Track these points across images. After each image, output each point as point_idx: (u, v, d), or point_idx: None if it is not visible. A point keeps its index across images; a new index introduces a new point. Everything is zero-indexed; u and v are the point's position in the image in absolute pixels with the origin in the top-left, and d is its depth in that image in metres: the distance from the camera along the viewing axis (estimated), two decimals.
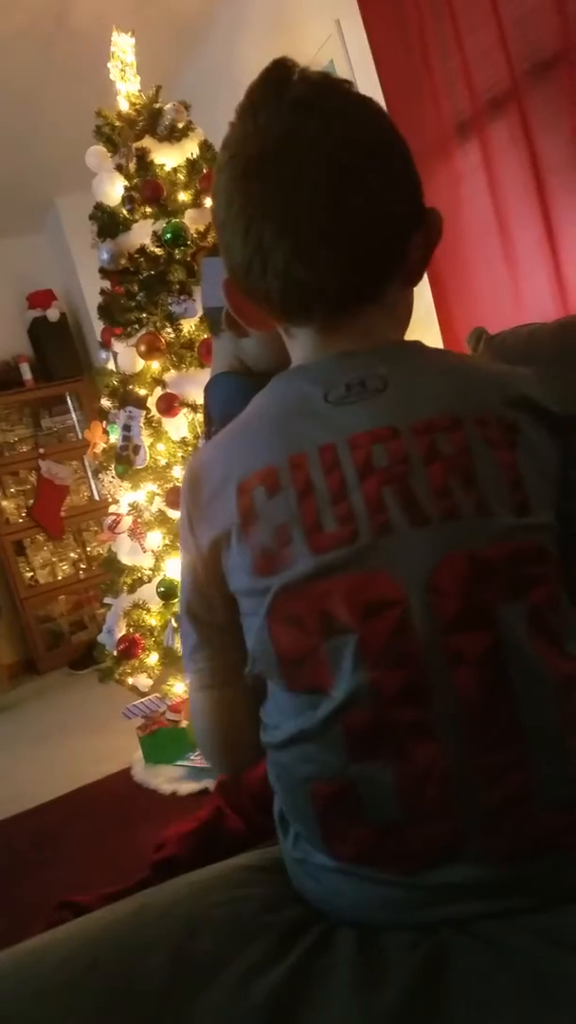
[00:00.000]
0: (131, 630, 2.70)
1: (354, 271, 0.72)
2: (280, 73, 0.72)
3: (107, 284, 2.79)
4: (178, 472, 2.63)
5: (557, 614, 0.66)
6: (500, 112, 2.18)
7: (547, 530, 0.69)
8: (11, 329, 5.06)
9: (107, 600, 2.94)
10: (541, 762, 0.62)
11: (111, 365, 2.86)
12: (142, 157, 2.69)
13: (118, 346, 2.77)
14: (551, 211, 2.10)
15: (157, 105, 2.77)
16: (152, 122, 2.76)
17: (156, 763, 2.62)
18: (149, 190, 2.64)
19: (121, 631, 2.73)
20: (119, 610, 2.78)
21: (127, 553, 2.75)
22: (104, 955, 0.64)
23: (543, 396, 0.73)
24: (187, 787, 2.41)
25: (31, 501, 4.96)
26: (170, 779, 2.50)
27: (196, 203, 2.70)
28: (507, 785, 0.61)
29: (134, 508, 2.73)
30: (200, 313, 2.58)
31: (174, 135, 2.76)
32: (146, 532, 2.70)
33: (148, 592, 2.70)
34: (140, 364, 2.70)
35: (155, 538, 2.69)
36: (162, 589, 2.59)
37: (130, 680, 2.77)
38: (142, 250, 2.65)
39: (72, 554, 5.09)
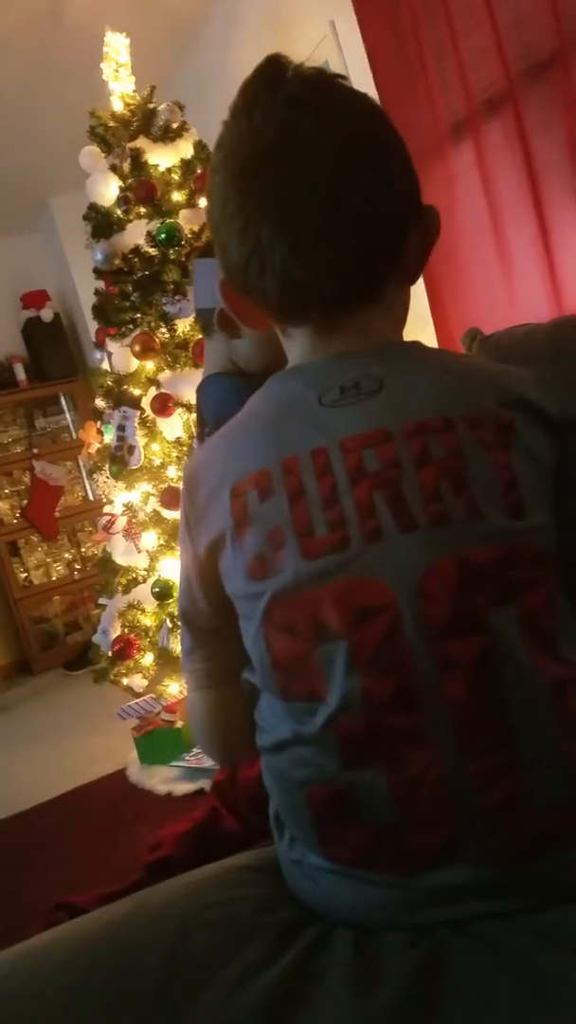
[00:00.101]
0: (126, 631, 2.70)
1: (352, 271, 0.72)
2: (274, 70, 0.71)
3: (101, 284, 2.79)
4: (173, 472, 2.63)
5: (552, 617, 0.66)
6: (495, 113, 2.19)
7: (543, 532, 0.68)
8: (5, 329, 5.06)
9: (102, 600, 2.94)
10: (536, 764, 0.62)
11: (105, 365, 2.86)
12: (136, 157, 2.69)
13: (112, 346, 2.77)
14: (545, 211, 2.10)
15: (151, 105, 2.77)
16: (146, 122, 2.76)
17: (151, 764, 2.62)
18: (143, 190, 2.64)
19: (116, 632, 2.73)
20: (114, 611, 2.78)
21: (122, 553, 2.75)
22: (102, 956, 0.64)
23: (539, 397, 0.72)
24: (182, 788, 2.41)
25: (25, 502, 4.95)
26: (165, 780, 2.50)
27: (190, 203, 2.70)
28: (502, 788, 0.61)
29: (129, 508, 2.73)
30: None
31: (168, 135, 2.76)
32: (141, 532, 2.70)
33: (143, 592, 2.70)
34: (134, 364, 2.70)
35: (150, 538, 2.69)
36: (157, 589, 2.58)
37: (125, 681, 2.77)
38: (136, 250, 2.65)
39: (67, 555, 5.08)
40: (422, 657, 0.62)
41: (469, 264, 2.38)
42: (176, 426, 2.61)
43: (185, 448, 2.59)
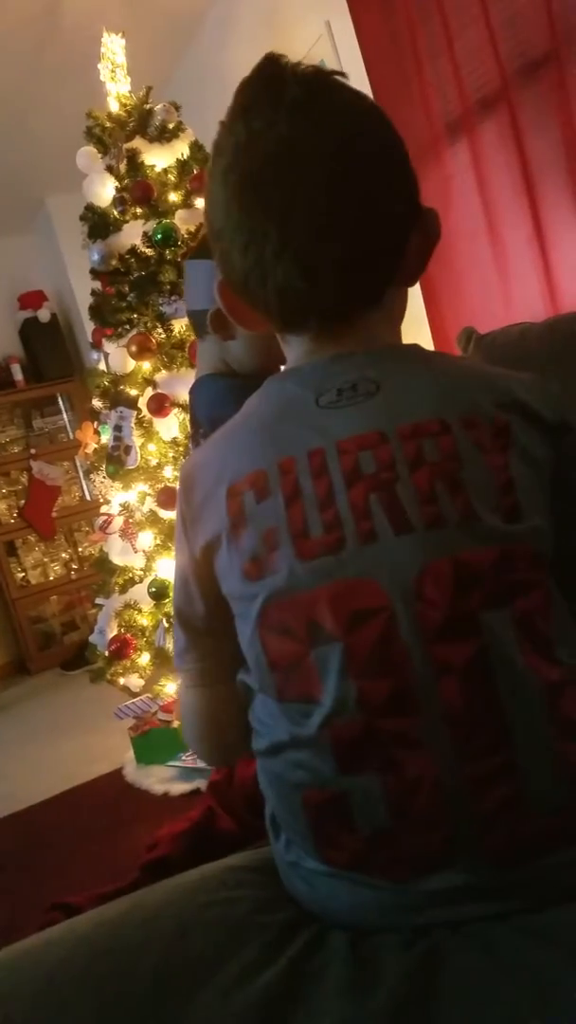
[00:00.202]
0: (123, 630, 2.70)
1: (354, 281, 0.72)
2: (273, 70, 0.70)
3: (98, 285, 2.78)
4: (169, 472, 2.63)
5: (548, 619, 0.66)
6: (490, 112, 2.19)
7: (539, 534, 0.68)
8: (2, 330, 5.05)
9: (99, 600, 2.94)
10: (532, 768, 0.62)
11: (102, 366, 2.85)
12: (132, 158, 2.68)
13: (109, 347, 2.77)
14: (541, 210, 2.10)
15: (147, 106, 2.77)
16: (142, 123, 2.75)
17: (148, 763, 2.62)
18: (139, 191, 2.63)
19: (113, 631, 2.72)
20: (111, 610, 2.78)
21: (118, 553, 2.75)
22: (99, 956, 0.64)
23: (535, 399, 0.72)
24: (179, 787, 2.41)
25: (22, 502, 4.94)
26: (162, 779, 2.50)
27: (187, 204, 2.70)
28: (498, 792, 0.61)
29: (125, 508, 2.73)
30: None
31: (164, 136, 2.75)
32: (137, 532, 2.69)
33: (140, 592, 2.69)
34: (131, 364, 2.70)
35: (146, 538, 2.69)
36: (153, 589, 2.58)
37: (122, 680, 2.76)
38: (133, 251, 2.64)
39: (63, 554, 5.07)
40: (417, 660, 0.62)
41: (465, 263, 2.38)
42: (172, 426, 2.60)
43: (181, 448, 2.59)
